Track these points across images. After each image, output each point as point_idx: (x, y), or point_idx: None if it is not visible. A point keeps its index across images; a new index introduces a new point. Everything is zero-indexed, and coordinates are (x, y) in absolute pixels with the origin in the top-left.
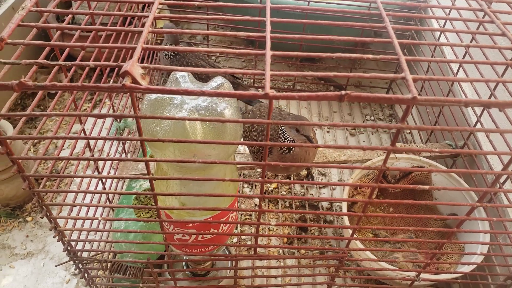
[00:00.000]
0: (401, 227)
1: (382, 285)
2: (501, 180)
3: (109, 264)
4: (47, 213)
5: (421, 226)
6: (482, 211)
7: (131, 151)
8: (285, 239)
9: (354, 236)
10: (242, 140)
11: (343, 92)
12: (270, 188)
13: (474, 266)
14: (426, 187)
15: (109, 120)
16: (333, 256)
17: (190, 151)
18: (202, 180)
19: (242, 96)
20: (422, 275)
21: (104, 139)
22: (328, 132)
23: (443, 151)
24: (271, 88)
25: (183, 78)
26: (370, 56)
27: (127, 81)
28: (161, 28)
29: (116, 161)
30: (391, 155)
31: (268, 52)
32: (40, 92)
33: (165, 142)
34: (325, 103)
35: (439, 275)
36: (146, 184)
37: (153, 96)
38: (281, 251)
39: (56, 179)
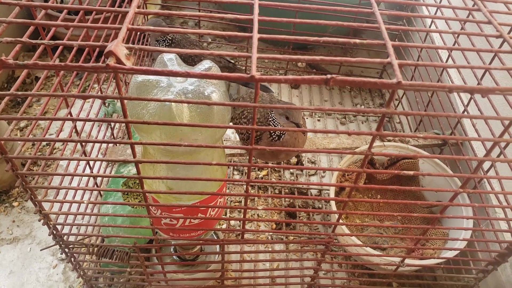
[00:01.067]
0: (386, 212)
1: (368, 271)
2: (486, 168)
3: (95, 248)
4: (32, 196)
5: (406, 213)
6: (466, 198)
7: (119, 137)
8: (274, 225)
9: (341, 221)
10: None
11: (328, 76)
12: (260, 176)
13: (457, 252)
14: (411, 172)
15: (97, 105)
16: (319, 241)
17: (177, 135)
18: (188, 164)
19: (228, 78)
20: (407, 261)
21: (89, 120)
22: (318, 120)
23: (427, 136)
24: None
25: (170, 61)
26: (357, 40)
27: (111, 61)
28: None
29: (105, 148)
30: (380, 143)
31: (255, 35)
32: (24, 73)
33: (152, 126)
34: (316, 91)
35: (423, 261)
36: (134, 170)
37: (140, 78)
38: (269, 237)
39: (42, 164)
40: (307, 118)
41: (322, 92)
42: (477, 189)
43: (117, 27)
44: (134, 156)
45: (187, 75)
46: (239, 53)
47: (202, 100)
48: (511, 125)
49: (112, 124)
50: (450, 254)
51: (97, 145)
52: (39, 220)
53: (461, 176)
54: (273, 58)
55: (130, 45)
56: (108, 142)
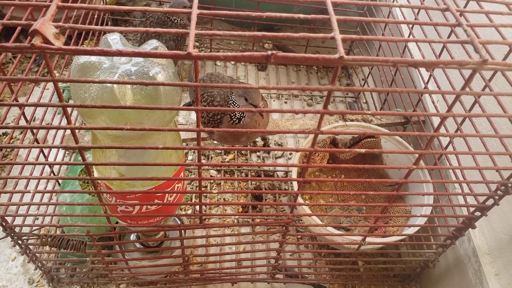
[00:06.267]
0: (343, 192)
1: (334, 251)
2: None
3: (49, 239)
4: None
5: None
6: (427, 174)
7: (79, 124)
8: (240, 208)
9: (305, 202)
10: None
11: (269, 52)
12: (227, 160)
13: (418, 228)
14: (362, 150)
15: (51, 91)
16: (279, 222)
17: (122, 119)
18: (133, 148)
19: (164, 56)
20: (368, 239)
21: (23, 105)
22: (286, 102)
23: (375, 113)
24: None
25: (113, 41)
26: (301, 15)
27: (37, 41)
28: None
29: (62, 136)
30: (342, 123)
31: (194, 11)
32: None
33: (95, 110)
34: (284, 73)
35: (383, 238)
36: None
37: (81, 60)
38: (235, 220)
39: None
40: (274, 101)
41: (290, 74)
42: (437, 165)
43: (45, 5)
44: (76, 142)
45: (119, 53)
46: (176, 30)
47: (139, 81)
48: (457, 99)
49: (70, 109)
50: (411, 230)
51: (52, 132)
52: None
53: (413, 153)
54: (212, 35)
55: (60, 23)
56: (42, 128)
